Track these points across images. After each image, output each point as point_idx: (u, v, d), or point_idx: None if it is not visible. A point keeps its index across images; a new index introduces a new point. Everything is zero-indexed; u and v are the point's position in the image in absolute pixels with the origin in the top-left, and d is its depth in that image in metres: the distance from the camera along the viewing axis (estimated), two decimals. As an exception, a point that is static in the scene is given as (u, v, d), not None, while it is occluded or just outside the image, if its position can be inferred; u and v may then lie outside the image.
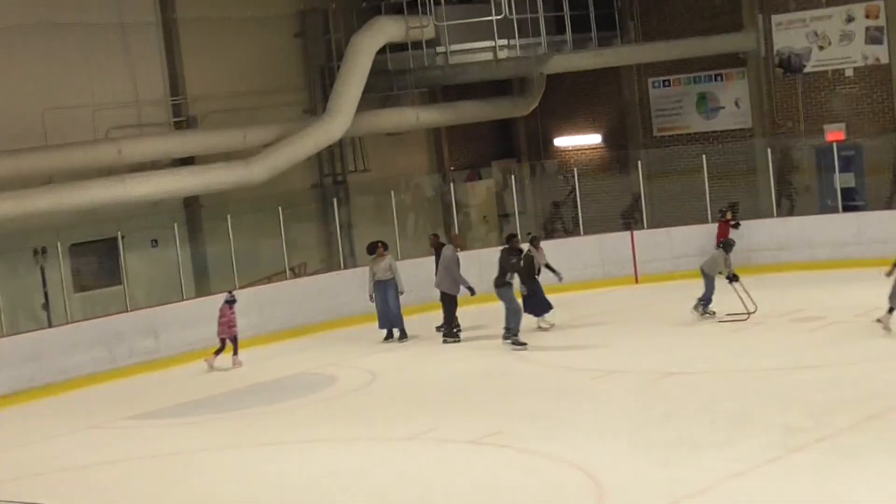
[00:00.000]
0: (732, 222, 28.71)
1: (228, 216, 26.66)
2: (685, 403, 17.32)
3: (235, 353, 23.85)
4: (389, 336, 24.82)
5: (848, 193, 30.85)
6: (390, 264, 24.89)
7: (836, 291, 25.69)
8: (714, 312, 23.87)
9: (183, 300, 26.02)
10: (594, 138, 35.24)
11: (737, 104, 33.23)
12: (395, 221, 29.30)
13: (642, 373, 19.76)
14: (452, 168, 34.02)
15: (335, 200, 29.20)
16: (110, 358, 24.14)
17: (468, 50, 30.73)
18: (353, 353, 24.03)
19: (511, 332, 22.83)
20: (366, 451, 16.70)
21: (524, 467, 15.06)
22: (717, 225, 28.78)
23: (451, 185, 31.02)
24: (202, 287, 27.77)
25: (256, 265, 28.14)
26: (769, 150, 30.66)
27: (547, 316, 24.29)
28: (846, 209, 30.20)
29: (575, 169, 31.77)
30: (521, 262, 23.55)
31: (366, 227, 30.51)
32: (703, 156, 30.56)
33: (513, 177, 33.40)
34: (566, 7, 31.54)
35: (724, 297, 23.51)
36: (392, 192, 29.50)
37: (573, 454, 15.14)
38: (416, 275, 26.55)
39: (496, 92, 33.55)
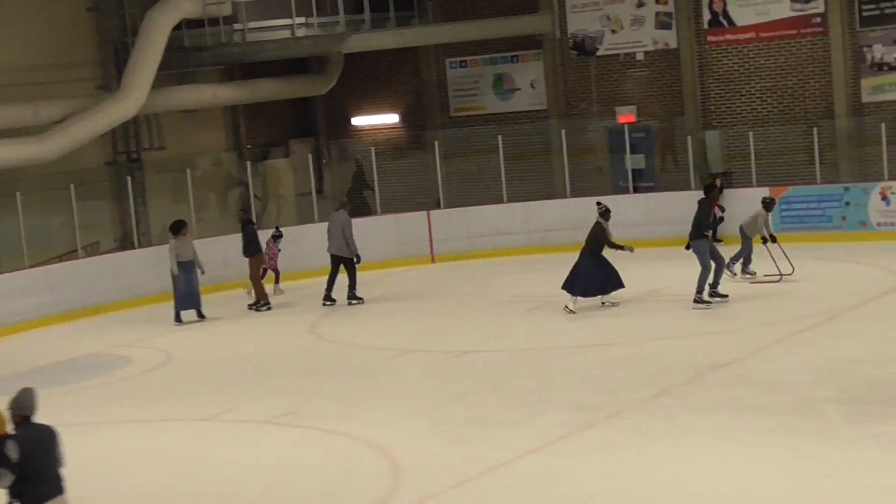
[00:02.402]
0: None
1: (18, 193, 25.94)
2: (481, 382, 17.55)
3: (277, 282, 26.47)
4: (179, 319, 24.41)
5: (639, 174, 31.66)
6: (192, 244, 24.59)
7: (625, 271, 26.28)
8: (755, 272, 23.90)
9: (-30, 277, 25.28)
10: (392, 118, 35.35)
11: (532, 86, 33.71)
12: (192, 200, 28.93)
13: (438, 352, 19.94)
14: (249, 146, 33.72)
15: (129, 178, 28.67)
16: None
17: (266, 27, 30.49)
18: (148, 333, 23.67)
19: (712, 287, 22.00)
20: (161, 433, 16.49)
21: (321, 447, 15.08)
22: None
23: (248, 163, 30.78)
24: (-9, 264, 27.00)
25: (47, 243, 27.45)
26: (563, 132, 31.22)
27: (614, 293, 23.05)
28: (637, 190, 30.98)
29: (372, 148, 31.83)
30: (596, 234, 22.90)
31: (161, 205, 30.05)
32: (500, 136, 30.96)
33: (310, 155, 33.29)
34: (365, -14, 31.56)
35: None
36: (188, 171, 29.12)
37: (369, 433, 15.21)
38: (213, 254, 26.30)
39: (294, 70, 33.36)
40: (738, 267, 23.99)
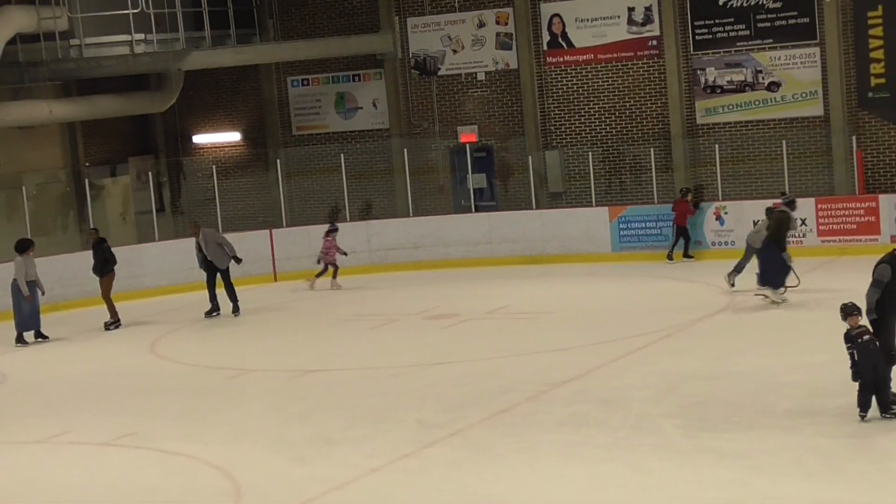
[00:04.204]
0: (692, 203, 28.48)
1: None
2: (323, 400, 17.48)
3: (334, 276, 27.51)
4: (22, 340, 23.83)
5: (480, 194, 31.92)
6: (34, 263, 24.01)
7: (468, 289, 26.51)
8: (734, 284, 23.51)
9: None
10: (234, 136, 35.08)
11: (374, 105, 33.76)
12: (28, 218, 28.28)
13: (280, 371, 19.80)
14: (87, 164, 33.13)
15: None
16: None
17: (104, 43, 30.02)
18: (-19, 355, 23.04)
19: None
20: (-7, 457, 16.06)
21: (160, 468, 14.84)
22: (676, 204, 28.51)
23: (87, 180, 30.23)
24: None
25: None
26: (405, 151, 31.34)
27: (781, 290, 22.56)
28: (479, 209, 31.24)
29: (213, 167, 31.54)
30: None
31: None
32: (342, 155, 30.94)
33: (150, 174, 32.85)
34: (204, 3, 31.27)
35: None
36: (24, 188, 28.47)
37: (210, 454, 15.02)
38: (51, 273, 25.74)
39: (134, 87, 32.91)
40: (738, 279, 23.60)
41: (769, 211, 23.51)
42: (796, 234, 25.47)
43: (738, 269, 23.62)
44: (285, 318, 24.99)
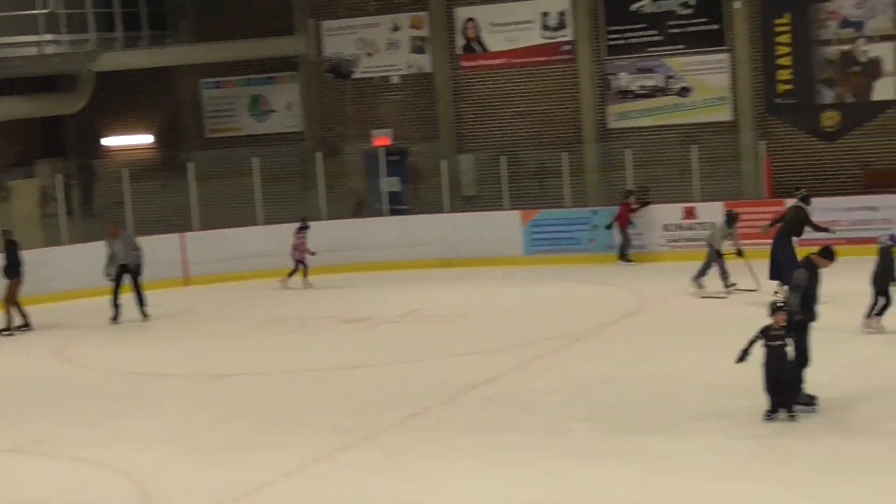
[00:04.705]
0: (634, 206, 28.44)
1: None
2: (236, 406, 17.37)
3: (305, 275, 27.54)
4: None
5: (394, 197, 31.94)
6: None
7: (382, 293, 26.50)
8: (702, 286, 23.49)
9: None
10: (146, 138, 34.78)
11: (288, 108, 33.67)
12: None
13: (193, 376, 19.65)
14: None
15: None
16: None
17: (12, 43, 29.62)
18: None
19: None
20: None
21: (69, 476, 14.65)
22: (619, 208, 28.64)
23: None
24: None
25: None
26: (319, 154, 31.26)
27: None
28: (392, 213, 31.25)
29: (124, 170, 31.22)
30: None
31: None
32: (255, 158, 30.80)
33: (59, 176, 32.43)
34: (116, 3, 30.97)
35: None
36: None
37: (121, 460, 14.87)
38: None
39: (43, 88, 32.50)
40: (704, 280, 23.65)
41: (728, 213, 23.76)
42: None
43: (702, 271, 23.63)
44: (197, 322, 24.83)
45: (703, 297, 23.18)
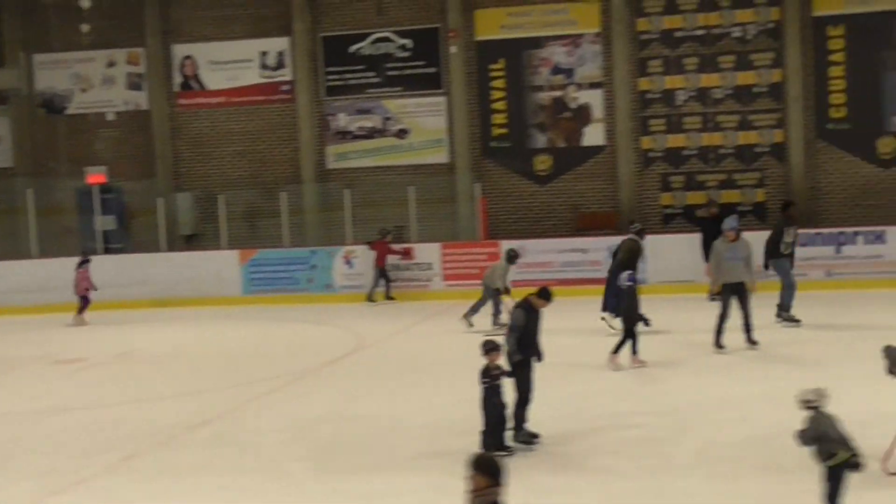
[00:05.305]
0: (394, 246, 28.15)
1: None
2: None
3: (80, 311, 26.70)
4: None
5: (109, 236, 31.29)
6: None
7: (96, 333, 25.89)
8: (472, 325, 23.24)
9: None
10: None
11: (-2, 142, 32.67)
12: None
13: None
14: None
15: None
16: None
17: None
18: None
19: (782, 309, 21.59)
20: None
21: None
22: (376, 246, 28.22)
23: None
24: None
25: None
26: (30, 191, 30.38)
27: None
28: (107, 251, 30.60)
29: None
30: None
31: None
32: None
33: None
34: None
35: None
36: None
37: None
38: None
39: None
40: (475, 318, 23.57)
41: (509, 252, 23.72)
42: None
43: (475, 309, 23.74)
44: None
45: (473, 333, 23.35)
